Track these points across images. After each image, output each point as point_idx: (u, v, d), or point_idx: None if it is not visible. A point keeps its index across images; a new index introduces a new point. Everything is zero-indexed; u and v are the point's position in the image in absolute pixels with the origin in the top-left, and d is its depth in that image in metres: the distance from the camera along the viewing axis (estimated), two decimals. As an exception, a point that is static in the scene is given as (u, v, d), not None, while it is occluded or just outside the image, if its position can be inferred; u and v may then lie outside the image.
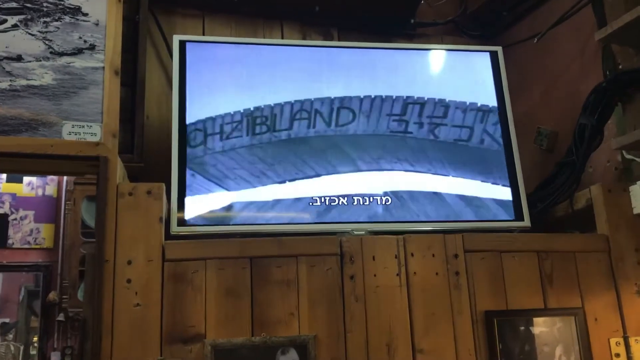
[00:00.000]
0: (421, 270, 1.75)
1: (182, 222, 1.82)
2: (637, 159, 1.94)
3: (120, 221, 1.64)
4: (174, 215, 1.80)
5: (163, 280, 1.62)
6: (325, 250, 1.71)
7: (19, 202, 4.78)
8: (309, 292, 1.67)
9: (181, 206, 1.83)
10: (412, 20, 2.62)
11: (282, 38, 2.46)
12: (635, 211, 1.91)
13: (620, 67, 2.05)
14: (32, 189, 4.88)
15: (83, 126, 1.80)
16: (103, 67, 1.85)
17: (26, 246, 4.67)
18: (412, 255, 1.76)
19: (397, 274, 1.73)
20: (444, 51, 2.24)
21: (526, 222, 2.04)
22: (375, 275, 1.71)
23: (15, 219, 4.73)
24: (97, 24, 1.90)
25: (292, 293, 1.66)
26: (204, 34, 2.34)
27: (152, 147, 2.08)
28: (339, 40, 2.53)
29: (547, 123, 2.42)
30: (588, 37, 2.22)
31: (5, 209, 4.77)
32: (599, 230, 1.93)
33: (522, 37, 2.53)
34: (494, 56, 2.22)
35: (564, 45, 2.37)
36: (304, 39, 2.47)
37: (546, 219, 2.12)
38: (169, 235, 1.74)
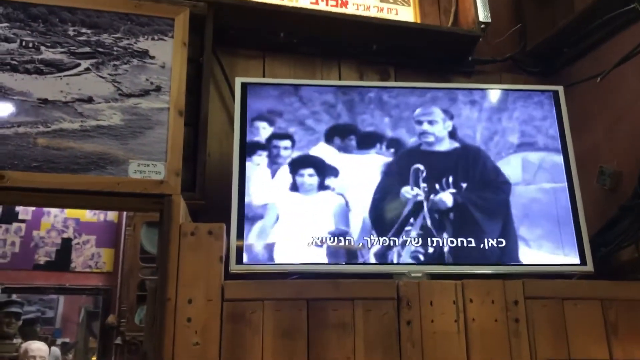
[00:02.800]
0: (480, 317, 1.72)
1: (240, 260, 1.86)
2: None
3: (182, 260, 1.69)
4: (233, 254, 1.84)
5: (222, 319, 1.65)
6: (382, 294, 1.71)
7: (82, 227, 4.96)
8: (365, 336, 1.66)
9: (240, 245, 1.87)
10: (470, 58, 2.61)
11: (340, 76, 2.49)
12: None
13: (690, 107, 1.98)
14: (95, 214, 5.07)
15: (148, 165, 1.86)
16: (168, 108, 1.92)
17: (87, 270, 4.84)
18: (471, 301, 1.73)
19: (455, 320, 1.71)
20: (500, 91, 2.21)
21: (589, 267, 1.98)
22: (432, 321, 1.70)
23: (78, 244, 4.90)
24: (163, 67, 1.98)
25: (348, 337, 1.66)
26: (264, 74, 2.40)
27: (212, 185, 2.13)
28: (396, 78, 2.54)
29: (610, 162, 2.36)
30: (656, 75, 2.16)
31: (69, 233, 4.96)
32: (668, 278, 1.86)
33: (583, 73, 2.48)
34: (555, 96, 2.19)
35: (628, 83, 2.31)
36: (361, 77, 2.50)
37: (610, 264, 2.05)
38: (227, 274, 1.77)
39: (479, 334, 1.71)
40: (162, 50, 2.00)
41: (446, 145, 2.10)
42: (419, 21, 2.61)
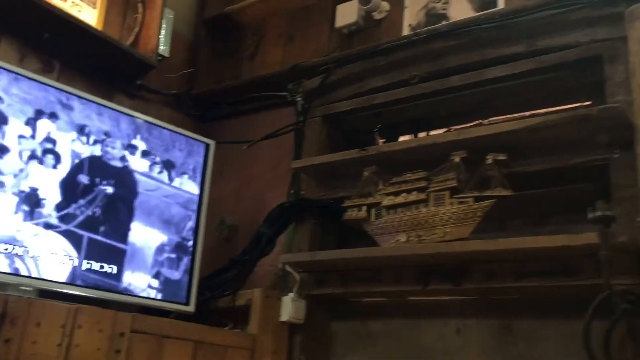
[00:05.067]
0: (84, 344, 1.72)
1: None
2: (294, 274, 2.27)
3: None
4: None
5: None
6: (-13, 308, 1.57)
7: None
8: (-48, 351, 1.50)
9: None
10: (139, 82, 2.65)
11: (-3, 53, 2.23)
12: (281, 319, 2.21)
13: (302, 193, 2.41)
14: None
15: None
16: None
17: None
18: (80, 327, 1.72)
19: (59, 345, 1.67)
20: (161, 127, 2.31)
21: (191, 307, 2.20)
22: (34, 343, 1.63)
23: None
24: None
25: None
26: None
27: None
28: (60, 74, 2.40)
29: (232, 215, 2.67)
30: (285, 156, 2.56)
31: None
32: (250, 329, 2.18)
33: (234, 131, 2.78)
34: (207, 147, 2.40)
35: (264, 156, 2.68)
36: (21, 60, 2.28)
37: (209, 308, 2.30)
38: None
39: (78, 361, 1.71)
40: None
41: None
42: (100, 28, 2.53)
